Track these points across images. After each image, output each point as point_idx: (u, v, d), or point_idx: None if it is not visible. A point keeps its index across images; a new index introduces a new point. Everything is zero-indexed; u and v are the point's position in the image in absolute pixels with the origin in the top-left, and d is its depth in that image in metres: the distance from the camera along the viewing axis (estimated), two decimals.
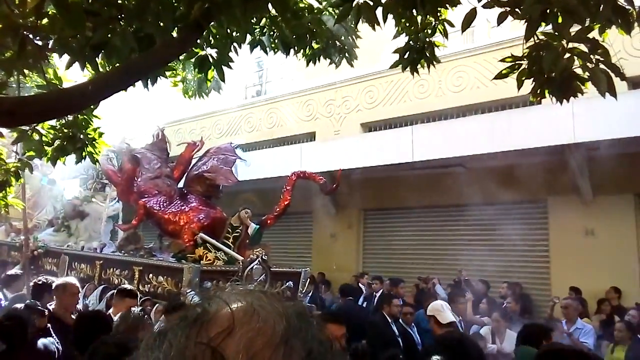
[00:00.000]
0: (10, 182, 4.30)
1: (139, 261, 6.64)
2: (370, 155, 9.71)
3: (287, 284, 6.21)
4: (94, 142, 3.87)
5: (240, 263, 5.80)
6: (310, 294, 8.62)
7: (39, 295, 4.94)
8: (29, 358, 3.40)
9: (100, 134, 3.94)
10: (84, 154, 3.85)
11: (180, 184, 7.69)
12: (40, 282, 5.06)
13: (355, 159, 9.63)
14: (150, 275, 6.21)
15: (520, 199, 8.67)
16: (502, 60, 2.95)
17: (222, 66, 3.41)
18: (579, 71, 2.64)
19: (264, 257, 5.75)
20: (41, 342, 3.63)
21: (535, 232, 9.51)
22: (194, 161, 7.73)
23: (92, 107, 3.63)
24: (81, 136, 3.80)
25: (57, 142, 3.77)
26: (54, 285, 4.65)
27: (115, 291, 4.92)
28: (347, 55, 4.24)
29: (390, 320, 5.82)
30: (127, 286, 5.18)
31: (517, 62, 2.87)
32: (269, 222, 6.80)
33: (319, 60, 4.14)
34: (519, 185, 8.32)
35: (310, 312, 0.63)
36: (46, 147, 3.76)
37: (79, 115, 3.74)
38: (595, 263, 8.21)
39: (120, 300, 4.55)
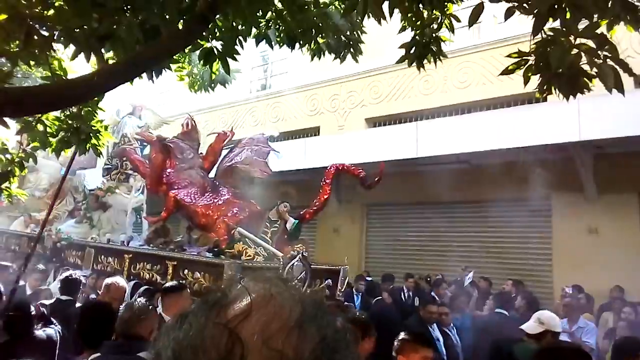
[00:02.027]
0: (14, 172, 4.31)
1: (173, 256, 6.19)
2: (374, 150, 9.68)
3: (327, 282, 5.87)
4: (97, 135, 3.88)
5: (281, 259, 5.47)
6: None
7: (72, 290, 4.94)
8: (30, 348, 3.42)
9: (106, 127, 3.95)
10: (87, 146, 3.86)
11: (210, 175, 7.37)
12: (72, 278, 5.05)
13: (359, 154, 9.59)
14: (186, 270, 5.79)
15: (525, 197, 8.63)
16: (509, 56, 2.93)
17: (227, 59, 3.40)
18: (586, 67, 2.62)
19: (304, 254, 5.43)
20: (44, 332, 3.65)
21: (539, 229, 9.49)
22: (224, 152, 7.41)
23: (96, 99, 3.63)
24: (85, 128, 3.81)
25: (61, 134, 3.78)
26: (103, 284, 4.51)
27: (168, 287, 4.50)
28: (352, 50, 4.22)
29: (427, 323, 5.61)
30: (172, 282, 4.85)
31: (523, 58, 2.84)
32: (307, 216, 6.52)
33: (324, 54, 4.12)
34: (524, 183, 8.29)
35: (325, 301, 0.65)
36: (50, 139, 3.78)
37: (84, 108, 3.75)
38: (598, 262, 8.17)
39: (177, 294, 4.24)
